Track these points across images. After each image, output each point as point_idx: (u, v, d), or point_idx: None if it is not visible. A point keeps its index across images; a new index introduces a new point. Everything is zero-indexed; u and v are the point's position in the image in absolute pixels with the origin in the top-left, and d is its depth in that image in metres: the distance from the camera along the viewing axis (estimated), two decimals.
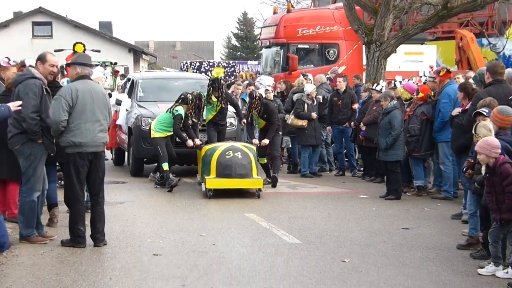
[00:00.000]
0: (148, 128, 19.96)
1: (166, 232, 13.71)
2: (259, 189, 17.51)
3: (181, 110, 18.34)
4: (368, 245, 12.81)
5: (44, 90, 12.12)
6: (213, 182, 17.14)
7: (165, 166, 18.35)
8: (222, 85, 19.85)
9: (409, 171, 18.61)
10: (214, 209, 16.04)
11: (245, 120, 20.72)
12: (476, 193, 11.82)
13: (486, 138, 11.01)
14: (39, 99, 11.96)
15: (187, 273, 10.76)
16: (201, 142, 19.08)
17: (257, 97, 18.96)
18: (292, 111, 20.94)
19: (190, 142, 18.62)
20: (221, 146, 17.87)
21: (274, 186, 19.08)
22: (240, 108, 21.22)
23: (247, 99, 20.16)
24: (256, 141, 19.51)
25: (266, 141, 19.04)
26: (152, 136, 18.63)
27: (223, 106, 19.69)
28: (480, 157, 10.93)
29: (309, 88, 21.32)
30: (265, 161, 19.48)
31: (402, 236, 13.68)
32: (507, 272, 10.62)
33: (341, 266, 11.31)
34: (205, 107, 19.45)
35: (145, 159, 21.11)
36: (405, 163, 18.32)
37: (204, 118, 19.71)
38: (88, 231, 12.34)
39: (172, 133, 18.56)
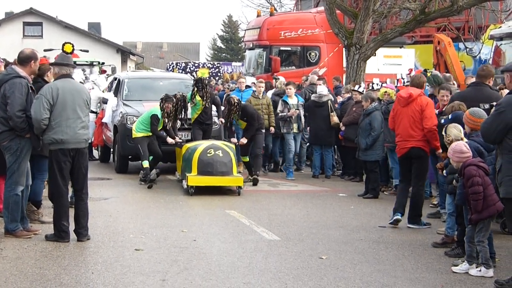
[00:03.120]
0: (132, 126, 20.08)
1: (148, 227, 13.66)
2: (239, 187, 17.43)
3: (157, 111, 18.43)
4: (345, 243, 12.80)
5: (29, 89, 12.15)
6: (194, 179, 17.10)
7: (145, 164, 18.38)
8: (206, 85, 19.91)
9: (387, 171, 18.66)
10: (196, 206, 15.99)
11: (222, 120, 20.39)
12: (453, 193, 11.84)
13: (455, 147, 11.06)
14: (25, 97, 11.99)
15: (167, 268, 10.71)
16: (181, 140, 19.23)
17: (235, 103, 18.93)
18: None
19: (170, 140, 18.75)
20: (202, 144, 17.80)
21: (255, 184, 18.97)
22: (222, 108, 21.13)
23: (226, 104, 19.86)
24: (234, 140, 19.61)
25: (244, 141, 19.16)
26: (133, 136, 18.79)
27: (207, 106, 19.74)
28: (454, 164, 11.00)
29: (323, 89, 21.28)
30: (248, 159, 19.42)
31: (379, 234, 13.68)
32: (480, 270, 10.66)
33: (318, 263, 11.27)
34: (189, 106, 19.59)
35: (129, 157, 21.10)
36: (384, 163, 18.37)
37: (190, 117, 19.87)
38: (72, 226, 12.28)
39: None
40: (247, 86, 22.89)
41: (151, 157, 18.49)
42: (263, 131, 19.88)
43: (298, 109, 21.25)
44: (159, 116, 18.34)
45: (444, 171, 11.63)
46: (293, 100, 21.26)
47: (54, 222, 12.24)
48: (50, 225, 12.59)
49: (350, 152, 19.54)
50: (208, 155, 17.25)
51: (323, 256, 11.69)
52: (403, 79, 25.11)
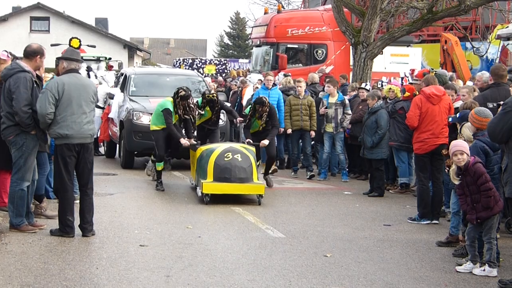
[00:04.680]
0: (140, 122, 20.17)
1: (153, 223, 13.68)
2: (260, 195, 15.57)
3: (168, 104, 17.28)
4: (350, 241, 12.80)
5: (34, 83, 12.16)
6: (210, 186, 15.21)
7: (159, 166, 17.48)
8: (217, 104, 18.24)
9: (394, 169, 18.65)
10: (201, 203, 15.92)
11: (240, 119, 19.81)
12: (457, 193, 11.84)
13: (457, 144, 11.09)
14: (30, 91, 11.99)
15: (172, 264, 10.72)
16: (195, 143, 17.30)
17: (267, 104, 17.67)
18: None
19: (183, 141, 17.05)
20: (219, 147, 16.00)
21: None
22: (234, 109, 20.91)
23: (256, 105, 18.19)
24: (266, 142, 17.75)
25: (266, 142, 17.70)
26: (150, 129, 18.04)
27: (214, 119, 18.48)
28: (462, 156, 10.93)
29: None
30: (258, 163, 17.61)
31: (384, 232, 13.68)
32: (483, 270, 10.68)
33: (323, 261, 11.27)
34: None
35: (135, 152, 21.11)
36: (390, 161, 18.36)
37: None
38: (77, 221, 12.28)
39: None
40: (274, 84, 21.68)
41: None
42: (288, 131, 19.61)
43: (330, 108, 20.08)
44: (171, 109, 17.15)
45: (450, 170, 11.59)
46: (333, 99, 20.28)
47: (59, 217, 12.28)
48: (55, 220, 12.60)
49: (356, 150, 19.47)
50: (226, 159, 15.39)
51: (328, 254, 11.69)
52: (407, 77, 25.18)
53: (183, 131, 17.62)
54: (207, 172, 15.37)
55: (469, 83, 18.17)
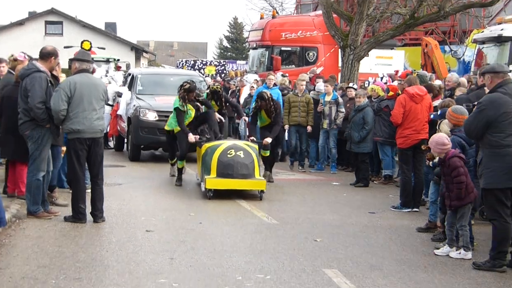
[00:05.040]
0: (146, 118, 20.24)
1: (158, 211, 13.70)
2: (262, 191, 14.90)
3: (176, 102, 16.60)
4: (338, 227, 12.84)
5: (49, 82, 12.21)
6: (213, 182, 14.53)
7: (180, 164, 16.86)
8: (221, 95, 17.97)
9: (378, 162, 18.71)
10: (205, 197, 15.86)
11: (246, 118, 19.29)
12: (437, 183, 11.93)
13: (436, 138, 11.21)
14: (44, 90, 12.05)
15: (175, 247, 10.75)
16: (201, 140, 16.34)
17: (269, 98, 16.80)
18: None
19: (191, 137, 16.05)
20: (223, 144, 15.26)
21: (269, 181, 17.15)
22: (240, 106, 20.69)
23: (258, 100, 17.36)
24: (266, 140, 16.63)
25: (269, 140, 16.65)
26: (175, 131, 17.05)
27: (222, 111, 18.06)
28: (435, 154, 11.11)
29: (321, 86, 21.10)
30: (268, 154, 17.20)
31: (368, 219, 13.72)
32: (459, 253, 10.76)
33: (313, 245, 11.32)
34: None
35: (142, 146, 21.15)
36: (375, 154, 18.42)
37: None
38: (88, 209, 12.35)
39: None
40: (274, 84, 21.19)
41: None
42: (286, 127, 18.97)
43: (325, 106, 19.93)
44: (180, 107, 16.49)
45: (431, 163, 11.67)
46: (328, 97, 20.03)
47: (72, 205, 12.35)
48: (68, 207, 12.66)
49: (343, 145, 19.47)
50: (229, 156, 14.72)
51: (318, 238, 11.74)
52: (385, 77, 25.25)
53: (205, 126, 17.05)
54: (211, 168, 14.74)
55: (438, 81, 18.17)
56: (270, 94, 17.10)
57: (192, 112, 16.61)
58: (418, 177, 14.52)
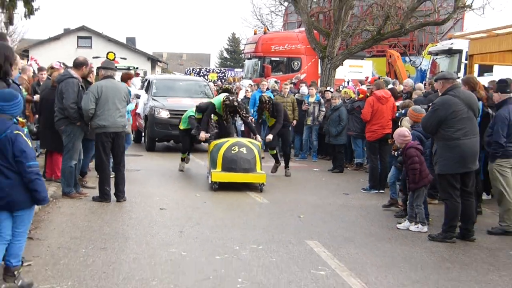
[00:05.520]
0: (159, 116, 20.21)
1: (170, 192, 13.66)
2: (262, 184, 14.00)
3: (192, 112, 16.09)
4: (318, 206, 12.82)
5: (80, 87, 12.26)
6: (218, 175, 13.72)
7: (183, 155, 16.59)
8: (233, 94, 16.93)
9: (351, 152, 18.72)
10: (209, 184, 15.84)
11: (252, 118, 17.85)
12: (399, 169, 11.96)
13: (399, 131, 11.41)
14: (76, 93, 12.12)
15: (184, 222, 10.73)
16: (210, 138, 15.41)
17: (267, 101, 15.89)
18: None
19: (202, 135, 15.17)
20: (228, 142, 14.42)
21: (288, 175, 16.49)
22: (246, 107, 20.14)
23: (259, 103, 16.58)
24: (259, 137, 15.78)
25: (270, 137, 15.90)
26: (181, 128, 16.77)
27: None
28: (398, 145, 11.22)
29: (305, 89, 21.08)
30: (275, 152, 16.59)
31: (343, 199, 13.71)
32: (417, 227, 10.83)
33: (297, 220, 11.32)
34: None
35: (156, 139, 21.13)
36: (348, 146, 18.44)
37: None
38: (112, 190, 12.36)
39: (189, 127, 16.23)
40: (267, 88, 21.05)
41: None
42: (289, 127, 17.81)
43: (310, 105, 19.89)
44: (195, 115, 15.92)
45: (396, 153, 11.68)
46: (312, 99, 19.99)
47: (99, 187, 12.36)
48: (95, 189, 12.65)
49: (322, 138, 19.50)
50: (232, 152, 13.90)
51: (301, 215, 11.74)
52: (350, 82, 25.36)
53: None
54: (217, 163, 13.92)
55: (390, 85, 18.08)
56: (269, 97, 16.40)
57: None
58: (384, 164, 14.53)
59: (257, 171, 14.08)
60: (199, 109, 15.87)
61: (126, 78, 16.66)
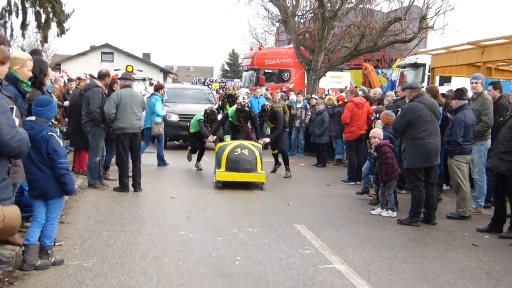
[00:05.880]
0: (170, 119, 20.18)
1: (179, 183, 13.65)
2: (262, 183, 13.18)
3: (201, 116, 15.62)
4: (304, 195, 12.82)
5: (103, 94, 12.32)
6: (222, 175, 13.00)
7: (191, 152, 16.20)
8: (236, 98, 16.45)
9: (332, 150, 18.77)
10: (210, 172, 15.83)
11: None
12: (373, 164, 11.98)
13: (374, 131, 11.57)
14: (101, 100, 12.17)
15: (191, 209, 10.72)
16: (216, 140, 14.54)
17: (269, 110, 15.11)
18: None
19: (210, 138, 14.54)
20: (232, 144, 13.68)
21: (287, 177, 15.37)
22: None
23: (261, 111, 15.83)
24: (265, 140, 15.04)
25: (267, 140, 15.10)
26: (190, 131, 16.16)
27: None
28: (374, 140, 11.19)
29: (293, 97, 21.10)
30: (276, 151, 15.83)
31: (325, 189, 13.71)
32: (388, 213, 10.82)
33: (286, 207, 11.30)
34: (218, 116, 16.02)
35: (168, 138, 21.08)
36: (330, 145, 18.47)
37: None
38: (130, 182, 12.36)
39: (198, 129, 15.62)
40: (261, 95, 21.04)
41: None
42: (287, 129, 16.79)
43: (298, 110, 20.05)
44: (202, 119, 15.53)
45: (372, 150, 11.72)
46: (299, 104, 20.17)
47: (119, 179, 12.36)
48: (116, 181, 12.62)
49: (309, 138, 19.55)
50: (235, 153, 13.18)
51: (290, 203, 11.75)
52: (328, 91, 25.41)
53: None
54: (221, 163, 13.18)
55: (358, 92, 18.04)
56: (271, 107, 15.45)
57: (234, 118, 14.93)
58: (359, 160, 14.57)
59: (258, 171, 13.28)
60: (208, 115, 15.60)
61: (158, 88, 16.86)
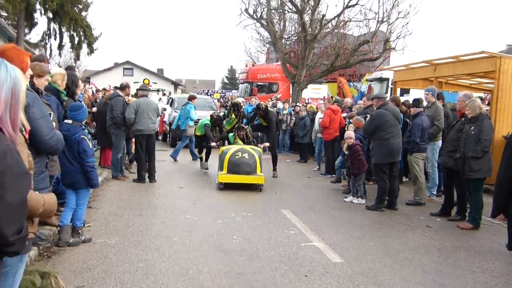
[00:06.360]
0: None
1: (186, 175, 13.60)
2: (261, 184, 11.94)
3: (207, 121, 14.81)
4: (289, 185, 12.80)
5: (124, 102, 12.28)
6: (224, 177, 11.82)
7: (199, 155, 15.34)
8: (241, 107, 14.68)
9: (313, 148, 18.73)
10: (214, 168, 15.80)
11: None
12: (346, 160, 11.98)
13: (347, 133, 11.51)
14: (122, 107, 12.15)
15: (196, 197, 10.70)
16: (219, 144, 14.10)
17: (264, 107, 14.02)
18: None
19: (213, 143, 13.98)
20: (233, 148, 12.47)
21: (275, 176, 14.20)
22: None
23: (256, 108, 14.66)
24: (265, 144, 14.15)
25: (267, 144, 14.11)
26: (197, 134, 15.30)
27: (239, 122, 14.31)
28: (348, 140, 11.18)
29: (280, 105, 21.10)
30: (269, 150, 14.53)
31: (307, 181, 13.68)
32: (358, 200, 10.83)
33: (275, 195, 11.29)
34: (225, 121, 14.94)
35: (177, 138, 21.04)
36: (311, 144, 18.47)
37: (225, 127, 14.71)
38: (147, 175, 12.33)
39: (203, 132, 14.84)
40: (254, 103, 20.95)
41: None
42: (277, 133, 15.97)
43: (284, 116, 20.05)
44: (209, 124, 14.65)
45: (344, 148, 11.72)
46: (285, 111, 20.14)
47: (138, 172, 12.33)
48: (135, 174, 12.60)
49: (294, 138, 19.55)
50: (236, 157, 12.05)
51: (277, 192, 11.73)
52: (307, 100, 25.43)
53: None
54: (223, 166, 12.07)
55: (325, 101, 18.05)
56: (266, 106, 14.24)
57: (234, 120, 14.35)
58: (335, 156, 14.53)
59: (257, 174, 12.07)
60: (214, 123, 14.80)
61: (191, 98, 16.99)
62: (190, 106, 16.68)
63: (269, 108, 14.49)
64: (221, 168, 12.32)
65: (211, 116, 15.08)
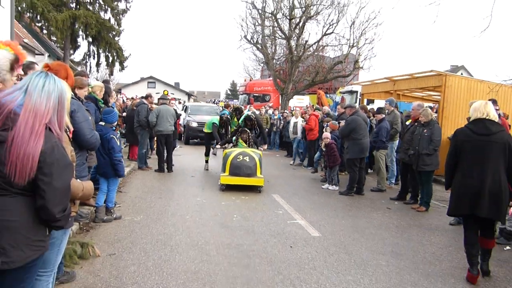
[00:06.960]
0: (192, 125, 20.07)
1: (198, 167, 13.49)
2: (261, 186, 10.21)
3: (215, 120, 13.19)
4: (278, 176, 12.74)
5: (148, 109, 12.15)
6: (225, 179, 10.19)
7: (206, 158, 13.46)
8: (242, 111, 13.38)
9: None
10: (219, 164, 15.72)
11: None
12: (322, 155, 11.96)
13: (325, 134, 11.42)
14: (146, 112, 12.04)
15: (204, 184, 10.68)
16: (223, 146, 12.47)
17: (253, 118, 12.19)
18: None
19: (218, 146, 12.38)
20: (235, 151, 10.72)
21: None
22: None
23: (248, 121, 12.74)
24: (263, 147, 11.85)
25: (265, 147, 11.97)
26: (205, 131, 14.00)
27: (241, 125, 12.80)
28: (326, 140, 11.15)
29: (271, 111, 21.08)
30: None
31: (292, 173, 13.63)
32: (333, 187, 10.79)
33: (267, 183, 11.14)
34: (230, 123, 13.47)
35: (190, 138, 21.01)
36: (298, 143, 18.39)
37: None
38: (165, 166, 12.21)
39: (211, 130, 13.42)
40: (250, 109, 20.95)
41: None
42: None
43: (275, 120, 20.12)
44: (217, 124, 13.12)
45: (323, 146, 11.70)
46: (276, 116, 20.21)
47: (158, 164, 12.21)
48: (156, 165, 12.44)
49: (283, 138, 19.51)
50: (238, 159, 10.35)
51: (269, 180, 11.58)
52: (292, 108, 25.40)
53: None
54: (226, 168, 10.43)
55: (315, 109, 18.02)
56: (255, 117, 12.41)
57: (236, 123, 12.87)
58: (315, 151, 14.48)
59: (257, 176, 10.41)
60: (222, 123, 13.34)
61: (226, 106, 16.70)
62: (225, 112, 14.46)
63: (255, 115, 13.02)
64: (223, 169, 10.80)
65: (221, 117, 13.60)
